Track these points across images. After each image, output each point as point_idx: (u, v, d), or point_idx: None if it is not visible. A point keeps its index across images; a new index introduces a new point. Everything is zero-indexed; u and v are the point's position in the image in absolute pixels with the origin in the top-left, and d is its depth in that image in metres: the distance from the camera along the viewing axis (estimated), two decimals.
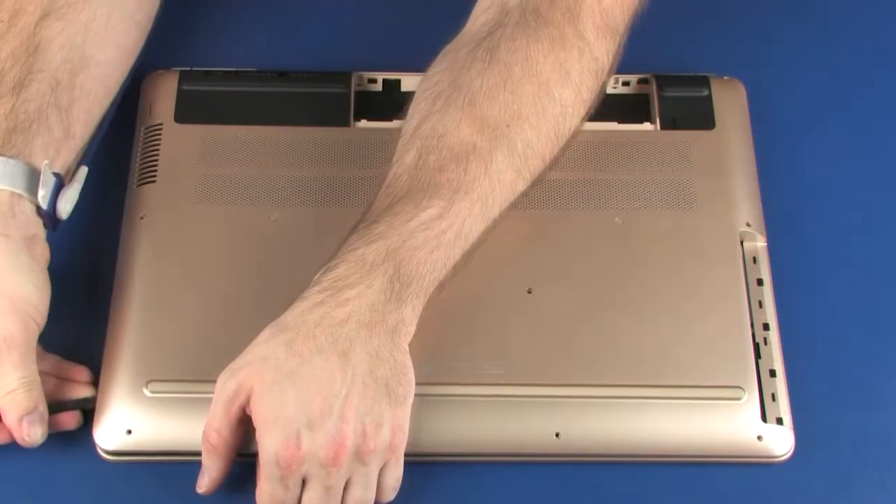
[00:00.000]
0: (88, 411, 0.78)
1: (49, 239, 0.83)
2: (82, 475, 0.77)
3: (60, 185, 0.79)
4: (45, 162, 0.78)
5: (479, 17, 0.81)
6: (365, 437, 0.70)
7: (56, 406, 0.77)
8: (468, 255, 0.77)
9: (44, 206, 0.78)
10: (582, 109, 0.80)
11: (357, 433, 0.70)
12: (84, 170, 0.82)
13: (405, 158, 0.77)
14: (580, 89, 0.79)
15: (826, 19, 0.98)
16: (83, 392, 0.78)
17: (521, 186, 0.79)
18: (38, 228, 0.79)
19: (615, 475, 0.79)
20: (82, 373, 0.79)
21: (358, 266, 0.72)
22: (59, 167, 0.80)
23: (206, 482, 0.74)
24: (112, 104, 0.87)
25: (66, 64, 0.81)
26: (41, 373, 0.76)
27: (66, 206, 0.80)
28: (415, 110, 0.79)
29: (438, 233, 0.74)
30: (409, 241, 0.73)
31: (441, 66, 0.80)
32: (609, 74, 0.82)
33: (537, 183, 0.80)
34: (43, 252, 0.78)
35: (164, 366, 0.78)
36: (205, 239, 0.82)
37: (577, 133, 0.81)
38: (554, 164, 0.80)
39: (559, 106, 0.78)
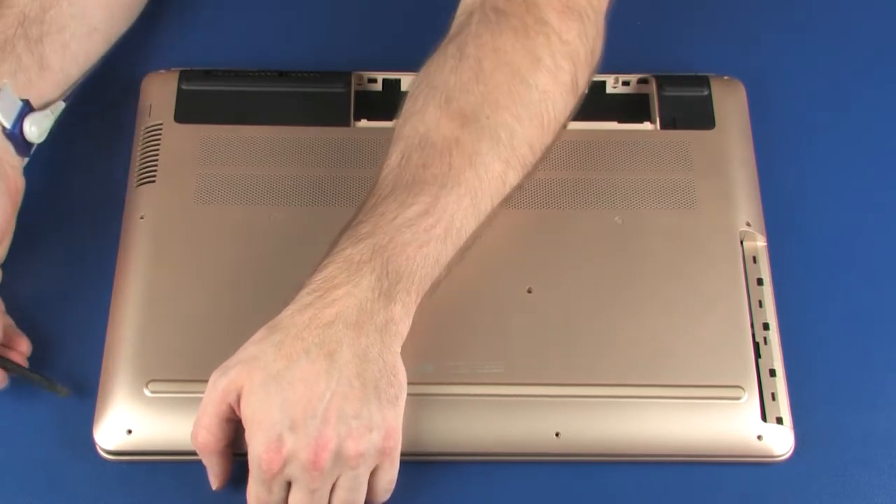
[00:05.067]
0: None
1: (50, 238, 0.83)
2: (82, 475, 0.77)
3: (29, 109, 0.81)
4: (5, 81, 0.79)
5: (456, 20, 0.82)
6: (350, 440, 0.70)
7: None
8: (463, 251, 0.77)
9: (6, 124, 0.79)
10: (565, 93, 0.80)
11: (341, 436, 0.70)
12: (61, 104, 0.83)
13: (390, 160, 0.77)
14: (556, 74, 0.79)
15: (826, 19, 0.98)
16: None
17: (513, 177, 0.78)
18: (6, 153, 0.80)
19: (615, 475, 0.79)
20: (23, 344, 0.80)
21: (345, 266, 0.72)
22: (35, 96, 0.81)
23: (213, 480, 0.75)
24: (105, 44, 0.87)
25: (34, 1, 0.82)
26: None
27: (32, 129, 0.81)
28: (399, 115, 0.79)
29: (426, 228, 0.74)
30: (396, 238, 0.73)
31: (421, 70, 0.80)
32: (591, 56, 0.81)
33: (532, 174, 0.80)
34: (14, 177, 0.79)
35: (165, 366, 0.78)
36: (205, 239, 0.82)
37: (568, 118, 0.81)
38: (547, 151, 0.80)
39: (537, 92, 0.78)
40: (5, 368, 0.78)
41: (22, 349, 0.80)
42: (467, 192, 0.75)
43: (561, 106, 0.79)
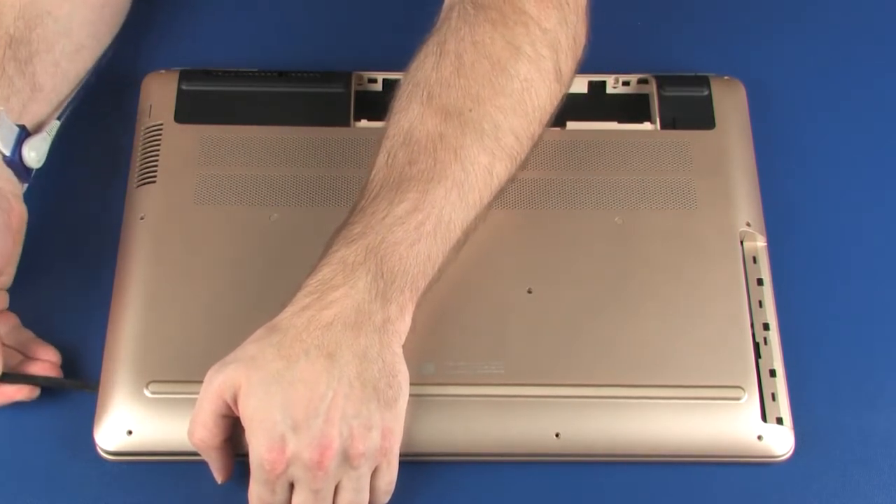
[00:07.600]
0: (56, 389, 0.79)
1: (48, 240, 0.83)
2: (82, 475, 0.77)
3: (26, 134, 0.80)
4: (1, 109, 0.78)
5: (439, 17, 0.82)
6: (353, 439, 0.70)
7: (13, 377, 0.77)
8: (457, 248, 0.77)
9: (6, 152, 0.78)
10: (548, 81, 0.79)
11: (344, 436, 0.70)
12: (56, 123, 0.82)
13: (378, 160, 0.77)
14: (538, 62, 0.79)
15: (826, 19, 0.98)
16: (47, 372, 0.79)
17: (501, 168, 0.78)
18: (8, 182, 0.79)
19: (615, 475, 0.79)
20: (48, 352, 0.79)
21: (340, 268, 0.72)
22: (29, 120, 0.80)
23: (217, 475, 0.75)
24: (99, 59, 0.87)
25: (18, 21, 0.81)
26: (7, 346, 0.77)
27: (31, 154, 0.80)
28: (386, 117, 0.79)
29: (416, 225, 0.74)
30: (387, 237, 0.73)
31: (407, 69, 0.80)
32: (574, 42, 0.81)
33: (524, 164, 0.80)
34: (17, 208, 0.79)
35: (165, 366, 0.78)
36: (205, 239, 0.82)
37: (556, 106, 0.81)
38: (536, 140, 0.80)
39: (518, 81, 0.78)
40: (30, 383, 0.78)
41: (50, 358, 0.79)
42: (454, 185, 0.75)
43: (545, 94, 0.79)
